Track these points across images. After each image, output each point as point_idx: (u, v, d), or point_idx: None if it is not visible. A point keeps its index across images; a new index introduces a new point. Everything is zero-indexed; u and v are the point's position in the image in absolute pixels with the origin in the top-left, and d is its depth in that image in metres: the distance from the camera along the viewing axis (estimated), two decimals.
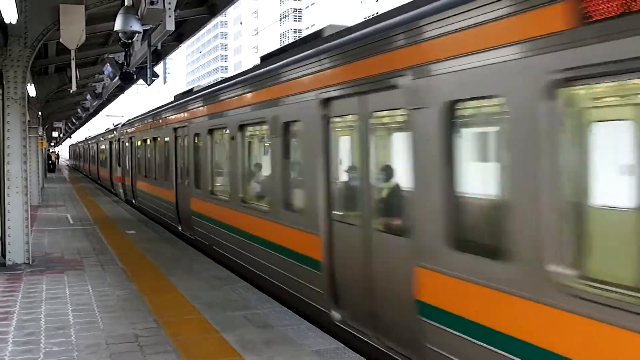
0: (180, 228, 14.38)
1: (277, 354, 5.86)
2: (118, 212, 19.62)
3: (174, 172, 14.87)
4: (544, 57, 3.83)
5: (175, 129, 14.75)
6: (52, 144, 57.89)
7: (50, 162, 52.52)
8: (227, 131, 10.50)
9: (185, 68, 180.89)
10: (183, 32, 15.63)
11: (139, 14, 8.86)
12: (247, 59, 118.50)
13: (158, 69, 19.31)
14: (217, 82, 12.67)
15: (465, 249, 4.67)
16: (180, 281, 9.09)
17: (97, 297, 8.20)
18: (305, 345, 6.10)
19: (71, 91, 17.28)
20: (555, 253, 3.83)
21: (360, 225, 6.23)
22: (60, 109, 31.72)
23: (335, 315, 6.72)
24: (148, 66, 13.08)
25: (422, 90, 5.07)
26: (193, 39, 19.49)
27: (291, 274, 7.83)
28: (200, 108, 12.44)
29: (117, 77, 14.82)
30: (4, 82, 10.53)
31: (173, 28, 8.93)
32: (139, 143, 20.33)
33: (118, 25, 9.16)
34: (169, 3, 8.44)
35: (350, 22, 8.22)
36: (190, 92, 14.88)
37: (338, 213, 6.82)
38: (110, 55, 16.72)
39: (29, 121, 12.15)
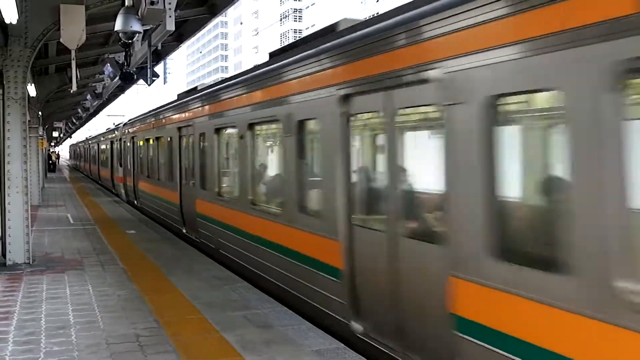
0: (184, 230, 14.03)
1: (278, 354, 5.85)
2: (118, 212, 19.62)
3: (178, 172, 14.50)
4: (610, 44, 3.41)
5: (179, 129, 14.39)
6: (53, 143, 57.92)
7: (50, 162, 52.53)
8: (236, 130, 10.11)
9: (185, 68, 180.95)
10: (183, 32, 15.63)
11: (139, 14, 8.87)
12: (248, 59, 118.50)
13: (158, 69, 19.33)
14: (224, 80, 12.14)
15: (511, 258, 4.21)
16: (181, 281, 9.09)
17: (98, 297, 8.20)
18: (305, 346, 6.09)
19: (71, 91, 17.29)
20: (624, 266, 3.41)
21: (385, 230, 5.79)
22: (60, 109, 31.74)
23: (356, 326, 6.26)
24: (148, 66, 13.08)
25: (459, 84, 4.64)
26: (193, 39, 19.51)
27: (306, 281, 7.40)
28: (207, 106, 12.04)
29: (118, 77, 14.82)
30: (5, 82, 10.53)
31: (173, 28, 8.93)
32: (142, 143, 19.96)
33: (118, 25, 9.17)
34: (169, 3, 8.44)
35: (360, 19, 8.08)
36: (194, 90, 14.50)
37: (360, 217, 6.40)
38: (111, 55, 16.72)
39: (29, 121, 12.16)
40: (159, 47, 15.57)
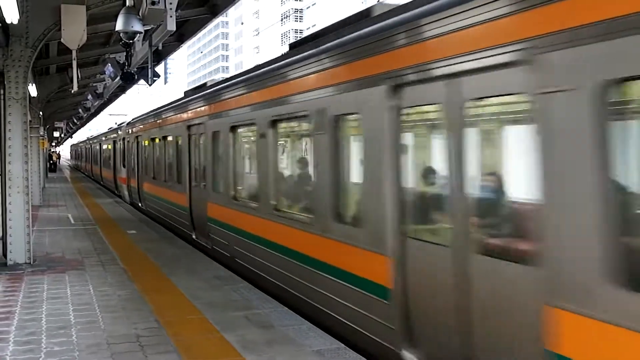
0: (193, 235, 13.17)
1: (278, 354, 5.85)
2: (119, 212, 19.62)
3: (187, 173, 13.60)
4: None
5: (188, 127, 13.44)
6: (54, 143, 57.96)
7: (51, 162, 52.58)
8: (256, 128, 9.14)
9: (186, 68, 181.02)
10: (184, 33, 15.64)
11: (140, 14, 8.88)
12: (248, 59, 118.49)
13: (159, 69, 19.27)
14: (240, 73, 11.14)
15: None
16: (181, 281, 9.09)
17: (98, 297, 8.20)
18: (306, 346, 6.09)
19: (72, 91, 17.32)
20: None
21: (451, 245, 4.89)
22: (61, 109, 31.78)
23: (409, 356, 5.44)
24: (149, 66, 13.09)
25: (562, 67, 3.77)
26: (194, 39, 19.51)
27: (343, 299, 6.49)
28: (220, 103, 11.07)
29: (119, 77, 14.83)
30: (6, 82, 10.54)
31: (174, 28, 8.94)
32: (147, 143, 19.08)
33: (119, 25, 9.18)
34: (170, 3, 8.45)
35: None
36: (204, 86, 13.73)
37: (416, 228, 5.50)
38: (112, 56, 16.73)
39: (30, 121, 12.17)
40: (160, 47, 15.57)
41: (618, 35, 3.36)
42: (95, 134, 49.53)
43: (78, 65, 13.13)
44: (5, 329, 6.78)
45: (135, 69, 13.95)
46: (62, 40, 10.60)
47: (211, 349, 6.06)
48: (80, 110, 30.69)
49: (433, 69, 4.98)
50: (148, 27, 10.58)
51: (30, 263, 10.59)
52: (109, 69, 15.29)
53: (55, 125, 41.19)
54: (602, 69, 3.49)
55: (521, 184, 4.27)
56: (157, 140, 17.62)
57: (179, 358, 5.79)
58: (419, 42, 5.21)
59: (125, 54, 13.80)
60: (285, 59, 8.37)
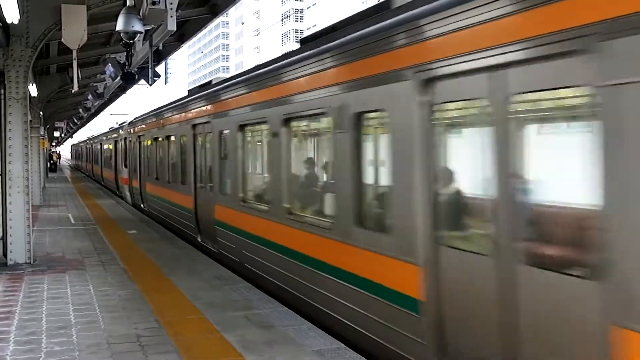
0: (199, 239, 12.78)
1: (278, 354, 5.85)
2: (119, 212, 19.63)
3: (192, 174, 13.17)
4: None
5: (193, 126, 13.01)
6: (54, 143, 57.98)
7: (51, 162, 52.59)
8: (267, 126, 8.71)
9: (186, 68, 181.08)
10: (185, 33, 15.65)
11: (140, 14, 8.88)
12: (249, 59, 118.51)
13: (159, 69, 19.27)
14: (249, 70, 10.67)
15: None
16: (182, 281, 9.09)
17: (99, 297, 8.20)
18: (306, 346, 6.09)
19: (73, 91, 17.32)
20: None
21: (494, 255, 4.45)
22: (61, 109, 31.80)
23: None
24: (149, 66, 13.09)
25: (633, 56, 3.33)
26: (194, 39, 19.48)
27: (366, 310, 6.08)
28: (228, 101, 10.63)
29: (119, 77, 14.83)
30: (6, 82, 10.55)
31: (175, 28, 8.94)
32: (149, 142, 18.61)
33: (120, 25, 9.18)
34: (171, 3, 8.45)
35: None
36: (208, 84, 13.41)
37: (451, 235, 5.06)
38: (112, 55, 16.74)
39: (30, 121, 12.18)
40: (160, 47, 15.56)
41: None
42: (96, 133, 49.46)
43: (78, 65, 13.13)
44: (6, 329, 6.78)
45: (136, 69, 13.95)
46: (62, 40, 10.60)
47: (211, 349, 6.06)
48: (80, 110, 30.72)
49: (474, 60, 4.51)
50: (148, 27, 10.58)
51: (30, 263, 10.59)
52: (110, 69, 15.30)
53: (56, 125, 41.23)
54: None
55: (579, 187, 3.84)
56: (160, 140, 17.17)
57: (179, 358, 5.79)
58: (453, 32, 4.75)
59: (125, 54, 13.81)
60: (300, 54, 7.95)
